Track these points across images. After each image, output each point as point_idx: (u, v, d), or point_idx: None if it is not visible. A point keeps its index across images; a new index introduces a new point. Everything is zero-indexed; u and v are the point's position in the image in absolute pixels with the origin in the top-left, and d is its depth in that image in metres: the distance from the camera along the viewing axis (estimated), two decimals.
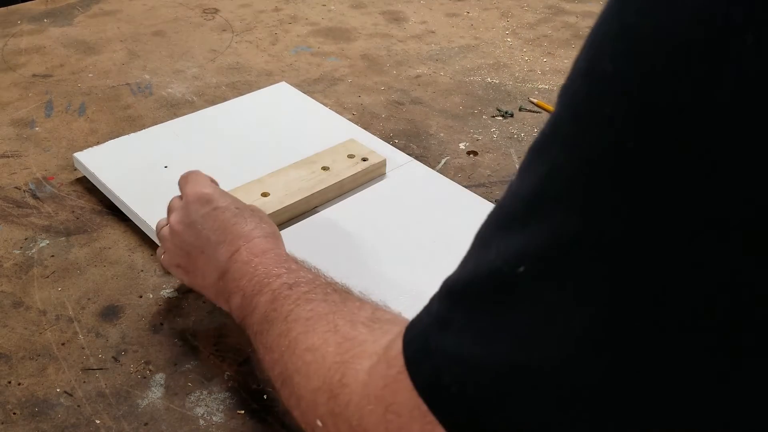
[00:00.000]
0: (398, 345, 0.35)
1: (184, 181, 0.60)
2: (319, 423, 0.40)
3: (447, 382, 0.31)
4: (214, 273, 0.54)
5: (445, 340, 0.32)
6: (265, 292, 0.48)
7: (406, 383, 0.33)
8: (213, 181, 0.60)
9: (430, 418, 0.32)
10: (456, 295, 0.32)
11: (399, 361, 0.34)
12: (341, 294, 0.47)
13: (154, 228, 0.67)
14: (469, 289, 0.31)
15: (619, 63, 0.26)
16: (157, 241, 0.62)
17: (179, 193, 0.59)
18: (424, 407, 0.32)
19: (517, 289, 0.29)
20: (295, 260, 0.53)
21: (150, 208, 0.69)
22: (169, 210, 0.59)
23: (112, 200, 0.73)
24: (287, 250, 0.54)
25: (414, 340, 0.34)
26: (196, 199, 0.56)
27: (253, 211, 0.57)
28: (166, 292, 0.64)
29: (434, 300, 0.34)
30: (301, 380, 0.42)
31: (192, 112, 0.89)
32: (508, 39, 1.13)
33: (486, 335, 0.30)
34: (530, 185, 0.29)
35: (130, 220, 0.71)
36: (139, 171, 0.75)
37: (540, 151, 0.30)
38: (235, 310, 0.52)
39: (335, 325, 0.43)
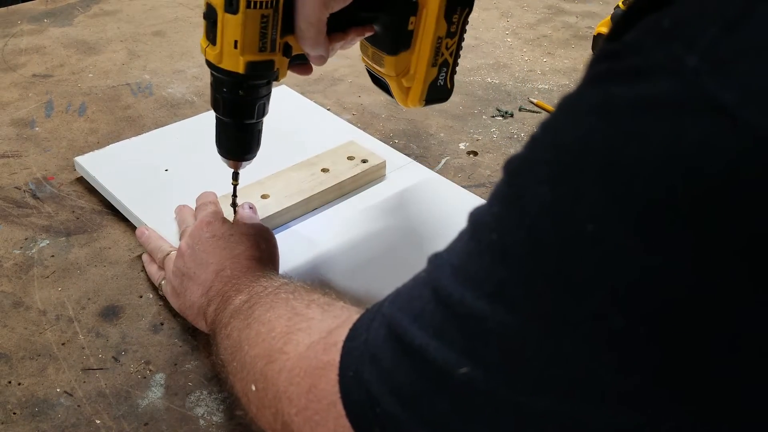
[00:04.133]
0: (340, 336, 0.36)
1: (199, 208, 0.65)
2: (252, 387, 0.42)
3: (369, 417, 0.32)
4: (198, 290, 0.56)
5: (373, 375, 0.32)
6: (243, 291, 0.51)
7: (332, 376, 0.34)
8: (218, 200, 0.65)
9: (345, 421, 0.33)
10: (396, 339, 0.32)
11: (334, 354, 0.35)
12: (310, 288, 0.49)
13: (156, 231, 0.67)
14: (410, 348, 0.31)
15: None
16: (159, 264, 0.64)
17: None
18: (341, 408, 0.34)
19: (452, 385, 0.29)
20: (284, 276, 0.55)
21: (151, 212, 0.69)
22: (182, 235, 0.63)
23: (113, 204, 0.73)
24: (289, 252, 0.55)
25: (350, 353, 0.34)
26: (202, 225, 0.60)
27: (250, 236, 0.59)
28: None
29: (383, 313, 0.34)
30: (248, 348, 0.44)
31: (192, 112, 0.89)
32: (508, 39, 1.13)
33: (408, 400, 0.31)
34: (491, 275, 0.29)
35: (130, 220, 0.71)
36: (140, 174, 0.75)
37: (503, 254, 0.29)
38: (209, 315, 0.54)
39: (292, 306, 0.45)
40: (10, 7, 1.15)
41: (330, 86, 0.97)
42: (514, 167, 0.29)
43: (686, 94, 0.24)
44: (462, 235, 0.31)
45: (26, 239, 0.69)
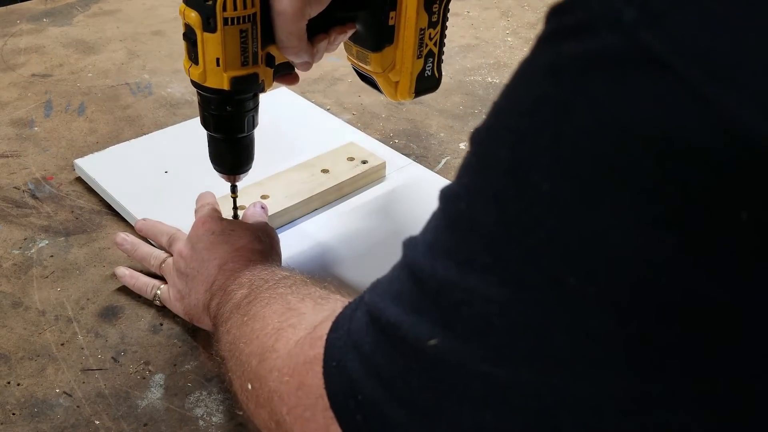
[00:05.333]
0: (325, 330, 0.36)
1: (197, 211, 0.64)
2: (249, 386, 0.42)
3: (351, 406, 0.32)
4: (202, 287, 0.56)
5: (355, 363, 0.32)
6: (245, 285, 0.51)
7: (318, 370, 0.34)
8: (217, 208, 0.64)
9: (331, 413, 0.33)
10: (375, 322, 0.32)
11: (319, 348, 0.35)
12: (308, 282, 0.49)
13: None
14: (387, 328, 0.31)
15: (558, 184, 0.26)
16: (156, 270, 0.63)
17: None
18: (327, 400, 0.34)
19: (425, 359, 0.30)
20: (286, 269, 0.55)
21: (152, 214, 0.69)
22: (173, 240, 0.63)
23: (113, 206, 0.73)
24: (289, 252, 0.55)
25: (334, 344, 0.34)
26: (199, 225, 0.60)
27: (251, 231, 0.59)
28: None
29: (365, 302, 0.34)
30: (243, 346, 0.44)
31: (191, 111, 0.89)
32: (509, 38, 1.13)
33: (386, 381, 0.31)
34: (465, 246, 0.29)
35: (131, 223, 0.71)
36: (140, 177, 0.75)
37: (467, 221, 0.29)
38: (212, 309, 0.54)
39: (287, 301, 0.45)
40: (9, 6, 1.15)
41: (330, 86, 0.97)
42: (478, 136, 0.30)
43: (625, 48, 0.24)
44: (434, 214, 0.32)
45: (25, 239, 0.69)
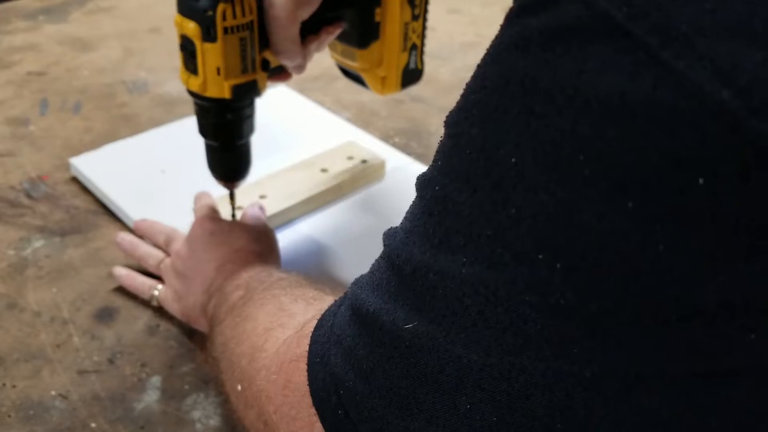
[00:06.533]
0: (311, 327, 0.36)
1: (196, 211, 0.64)
2: (238, 387, 0.42)
3: (333, 401, 0.32)
4: (200, 288, 0.55)
5: (338, 357, 0.32)
6: (242, 287, 0.51)
7: (304, 367, 0.34)
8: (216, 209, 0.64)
9: (314, 410, 0.33)
10: (356, 313, 0.32)
11: (305, 345, 0.35)
12: (304, 283, 0.49)
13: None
14: (366, 318, 0.31)
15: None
16: (154, 270, 0.63)
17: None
18: (310, 399, 0.34)
19: (402, 345, 0.29)
20: (283, 270, 0.54)
21: (147, 214, 0.68)
22: (170, 240, 0.62)
23: (108, 206, 0.72)
24: (287, 253, 0.54)
25: (318, 341, 0.34)
26: (197, 225, 0.59)
27: (249, 232, 0.59)
28: None
29: (348, 296, 0.34)
30: (234, 346, 0.44)
31: (188, 109, 0.88)
32: None
33: (367, 372, 0.31)
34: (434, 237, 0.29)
35: (127, 224, 0.70)
36: (136, 176, 0.74)
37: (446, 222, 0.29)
38: (209, 311, 0.53)
39: (279, 302, 0.45)
40: (4, 3, 1.14)
41: (329, 83, 0.96)
42: (451, 118, 0.29)
43: (586, 17, 0.24)
44: (412, 201, 0.32)
45: (20, 239, 0.68)
